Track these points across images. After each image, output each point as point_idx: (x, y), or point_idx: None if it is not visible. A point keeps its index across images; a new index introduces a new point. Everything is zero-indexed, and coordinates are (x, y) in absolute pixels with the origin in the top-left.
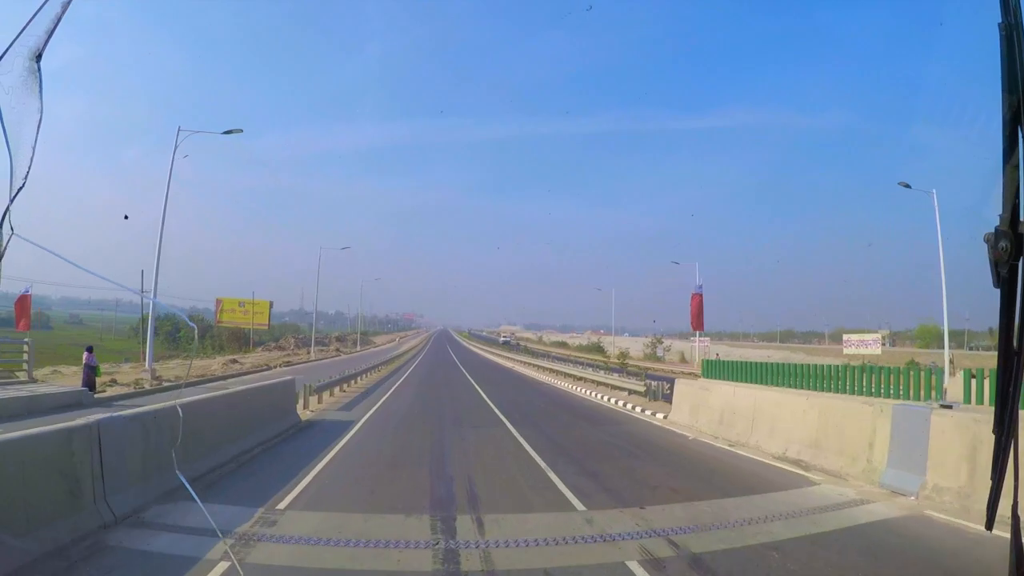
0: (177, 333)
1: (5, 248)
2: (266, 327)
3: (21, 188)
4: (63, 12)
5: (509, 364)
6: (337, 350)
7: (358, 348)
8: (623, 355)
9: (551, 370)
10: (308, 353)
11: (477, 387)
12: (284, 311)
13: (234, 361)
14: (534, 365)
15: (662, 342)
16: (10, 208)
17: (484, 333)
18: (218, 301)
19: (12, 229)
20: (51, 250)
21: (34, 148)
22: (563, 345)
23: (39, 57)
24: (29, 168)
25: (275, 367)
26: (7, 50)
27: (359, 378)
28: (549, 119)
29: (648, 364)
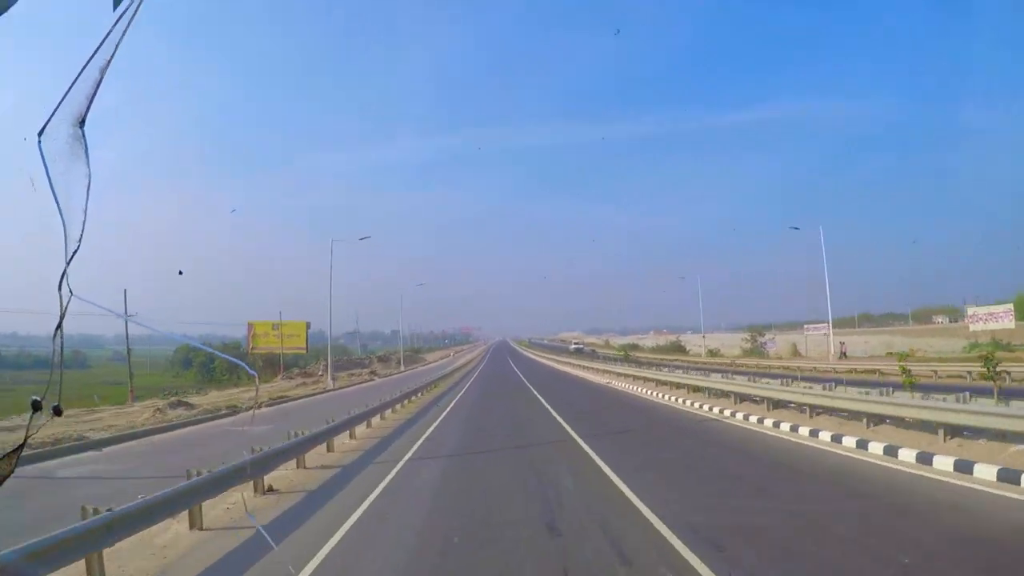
0: (212, 364)
1: (65, 310)
2: (303, 350)
3: (76, 251)
4: (102, 77)
5: (593, 377)
6: (372, 373)
7: (401, 368)
8: (714, 353)
9: (650, 380)
10: (331, 380)
11: (576, 437)
12: (339, 333)
13: (181, 403)
14: (624, 375)
15: (763, 334)
16: (67, 271)
17: (545, 341)
18: (250, 325)
19: (71, 291)
20: (108, 308)
21: (85, 211)
22: (635, 347)
23: (83, 123)
24: (82, 231)
25: (245, 409)
26: (50, 119)
27: (386, 411)
28: (594, 124)
29: (752, 361)
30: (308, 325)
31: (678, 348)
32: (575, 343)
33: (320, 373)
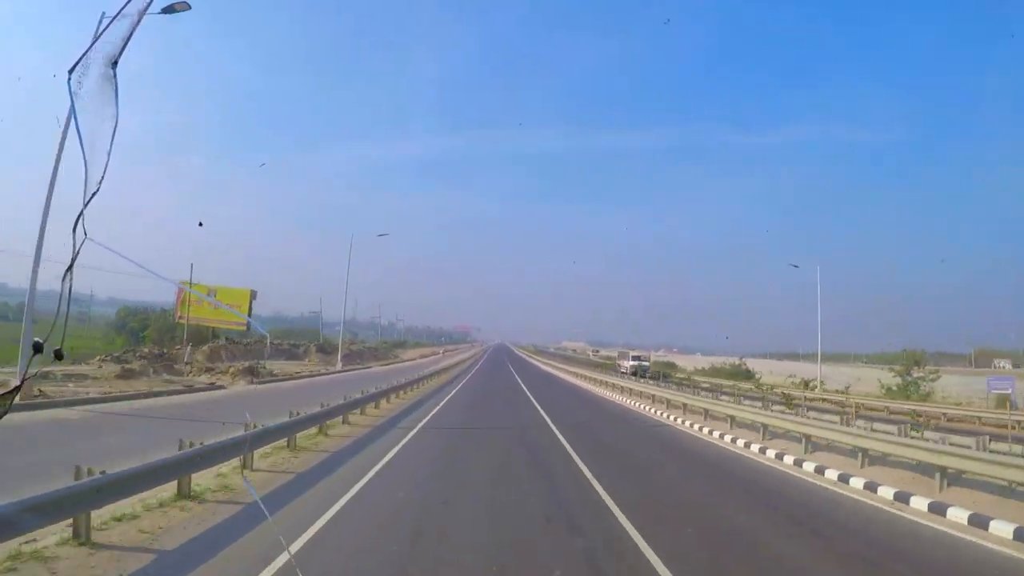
0: (142, 332)
1: (78, 252)
2: (243, 326)
3: (95, 193)
4: (139, 19)
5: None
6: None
7: (336, 367)
8: (807, 385)
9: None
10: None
11: None
12: (336, 321)
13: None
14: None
15: (919, 364)
16: (84, 213)
17: (551, 348)
18: (180, 289)
19: (85, 233)
20: (121, 253)
21: (109, 154)
22: (672, 367)
23: (115, 64)
24: (103, 174)
25: None
26: (82, 57)
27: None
28: (602, 132)
29: (913, 405)
30: (253, 295)
31: (743, 375)
32: (634, 357)
33: (186, 362)
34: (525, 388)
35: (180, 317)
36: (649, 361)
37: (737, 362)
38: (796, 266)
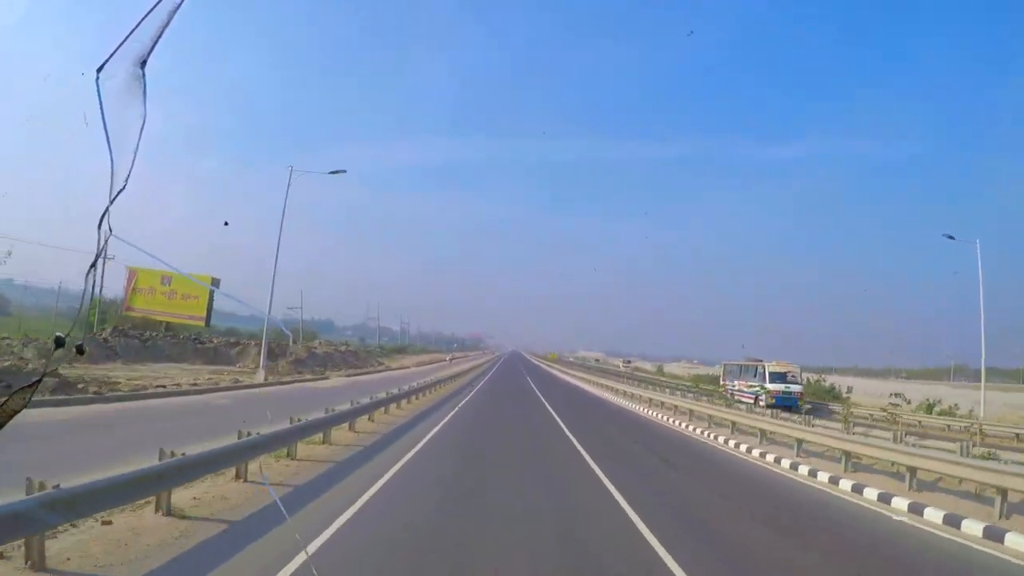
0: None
1: (104, 248)
2: (202, 322)
3: (121, 190)
4: (169, 20)
5: None
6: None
7: (258, 378)
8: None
9: None
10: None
11: None
12: (347, 325)
13: None
14: None
15: None
16: (109, 210)
17: (569, 358)
18: (131, 273)
19: (111, 230)
20: (146, 251)
21: (135, 152)
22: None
23: (144, 63)
24: (130, 172)
25: None
26: (111, 56)
27: None
28: (617, 141)
29: None
30: (215, 284)
31: (823, 392)
32: (776, 377)
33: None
34: (552, 413)
35: (128, 308)
36: (800, 382)
37: (815, 378)
38: (952, 237)
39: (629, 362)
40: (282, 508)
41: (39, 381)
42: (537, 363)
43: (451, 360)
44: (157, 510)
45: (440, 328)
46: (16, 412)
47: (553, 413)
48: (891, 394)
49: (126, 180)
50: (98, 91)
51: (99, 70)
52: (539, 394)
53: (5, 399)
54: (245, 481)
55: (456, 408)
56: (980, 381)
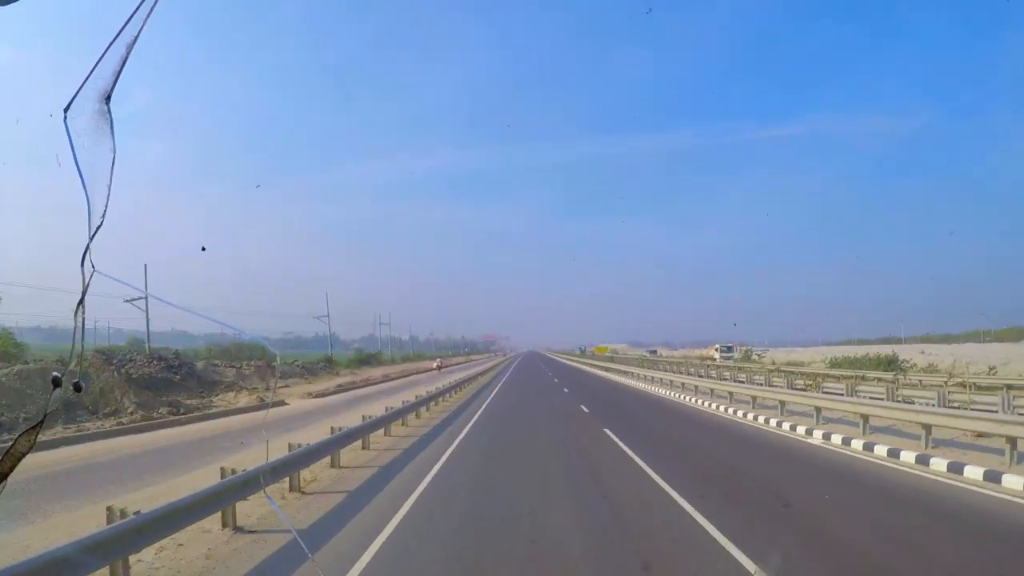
0: None
1: (88, 285)
2: None
3: (99, 227)
4: (128, 53)
5: None
6: None
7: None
8: None
9: None
10: None
11: None
12: (355, 338)
13: None
14: None
15: None
16: (90, 246)
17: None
18: None
19: (93, 266)
20: (130, 284)
21: (109, 187)
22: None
23: (108, 99)
24: (106, 207)
25: None
26: (76, 94)
27: None
28: (625, 137)
29: None
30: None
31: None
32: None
33: None
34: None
35: None
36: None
37: (883, 353)
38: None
39: (655, 351)
40: None
41: (42, 422)
42: (572, 365)
43: (439, 369)
44: (224, 526)
45: (455, 333)
46: (24, 455)
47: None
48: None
49: (103, 216)
50: (67, 130)
51: (66, 110)
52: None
53: (12, 442)
54: None
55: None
56: None
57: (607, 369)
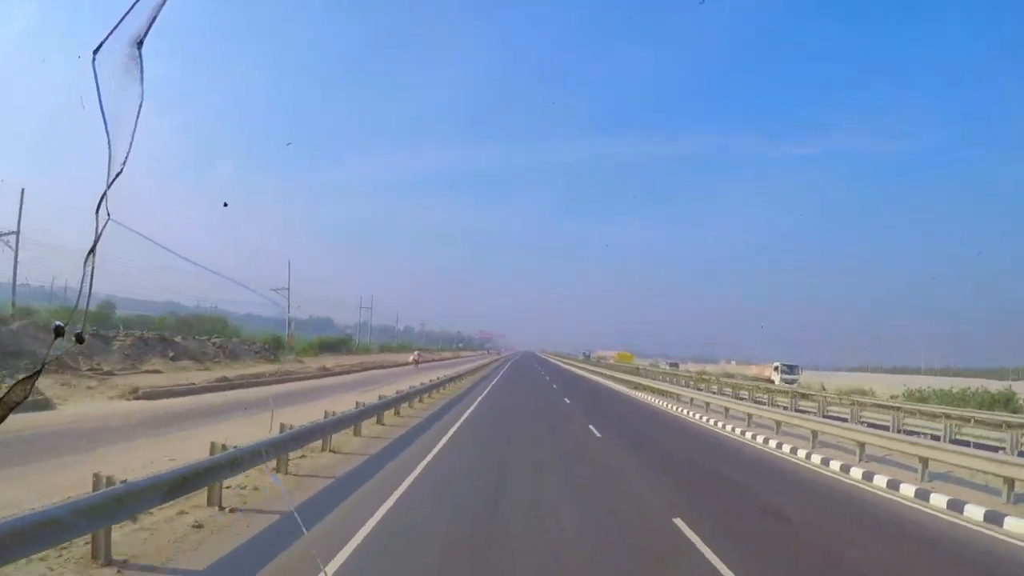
0: None
1: (101, 233)
2: None
3: (119, 174)
4: (164, 1)
5: None
6: None
7: None
8: None
9: None
10: None
11: None
12: (350, 324)
13: None
14: None
15: None
16: (107, 193)
17: (593, 357)
18: None
19: (108, 215)
20: (147, 236)
21: (133, 134)
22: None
23: (140, 44)
24: (127, 155)
25: None
26: (107, 37)
27: None
28: (629, 140)
29: None
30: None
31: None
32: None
33: None
34: None
35: None
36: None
37: (994, 389)
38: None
39: (676, 364)
40: None
41: (39, 372)
42: (581, 375)
43: (416, 364)
44: (210, 504)
45: (452, 328)
46: (18, 403)
47: None
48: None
49: (123, 164)
50: (95, 74)
51: (95, 52)
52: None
53: (7, 391)
54: None
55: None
56: None
57: (636, 387)
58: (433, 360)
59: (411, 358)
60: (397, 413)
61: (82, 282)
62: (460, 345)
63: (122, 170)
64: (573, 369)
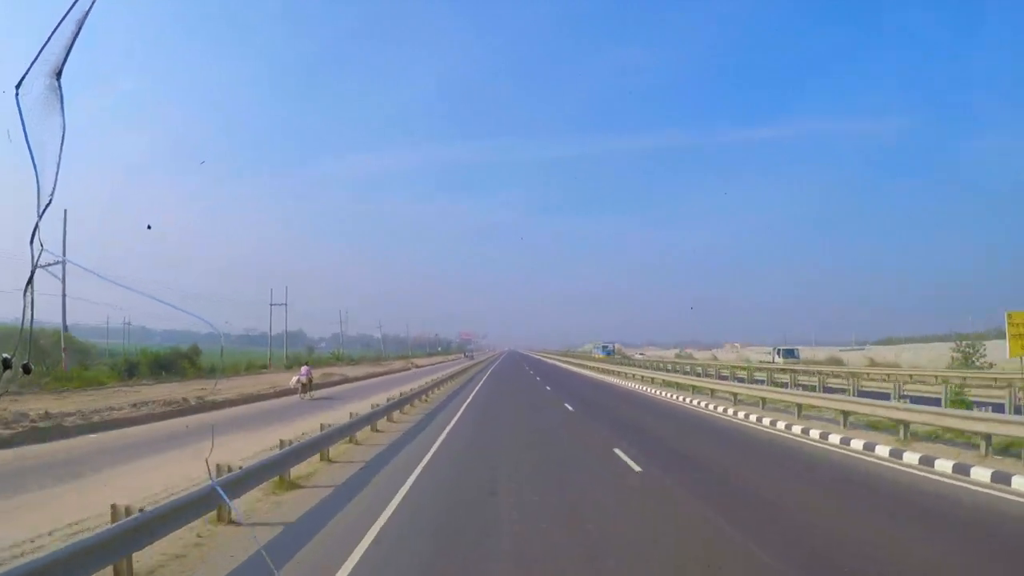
0: None
1: (36, 264)
2: None
3: (48, 204)
4: (79, 29)
5: None
6: None
7: None
8: None
9: None
10: None
11: None
12: (325, 335)
13: None
14: None
15: None
16: (39, 225)
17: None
18: None
19: (42, 246)
20: (82, 265)
21: (59, 165)
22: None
23: (59, 74)
24: (55, 185)
25: None
26: (28, 71)
27: None
28: (614, 136)
29: None
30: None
31: None
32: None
33: None
34: None
35: None
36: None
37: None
38: None
39: (642, 354)
40: None
41: None
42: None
43: (303, 388)
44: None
45: (432, 332)
46: None
47: None
48: None
49: (51, 195)
50: (18, 107)
51: (17, 86)
52: None
53: None
54: None
55: None
56: None
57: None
58: (362, 378)
59: (294, 380)
60: None
61: (24, 312)
62: (439, 348)
63: (51, 201)
64: (588, 373)
